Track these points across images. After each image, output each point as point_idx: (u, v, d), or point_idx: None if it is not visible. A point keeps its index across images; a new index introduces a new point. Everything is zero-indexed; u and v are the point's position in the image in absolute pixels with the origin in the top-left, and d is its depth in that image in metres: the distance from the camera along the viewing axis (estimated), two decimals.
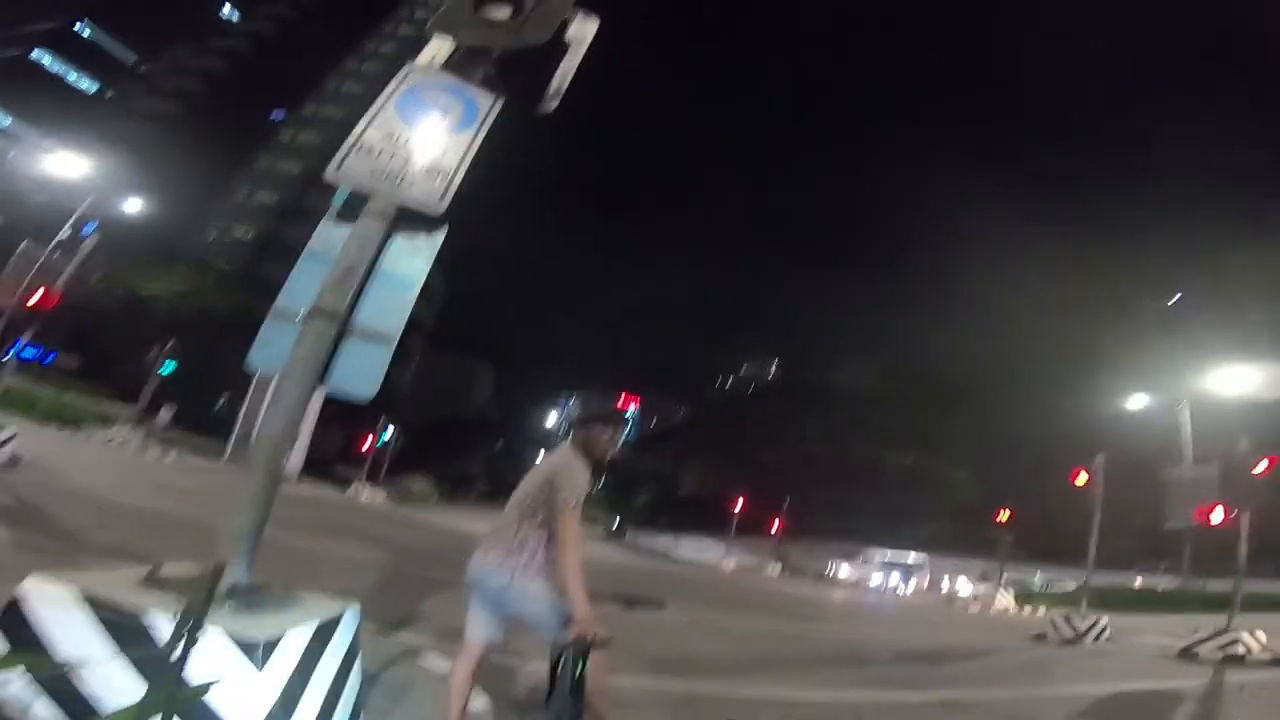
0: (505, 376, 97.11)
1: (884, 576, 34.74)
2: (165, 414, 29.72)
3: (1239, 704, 6.92)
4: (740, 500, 47.17)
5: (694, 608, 12.54)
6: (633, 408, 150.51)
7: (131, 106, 58.56)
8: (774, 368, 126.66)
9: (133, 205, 24.41)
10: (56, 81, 58.58)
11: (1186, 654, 11.66)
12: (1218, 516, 13.02)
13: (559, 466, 2.86)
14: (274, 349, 2.68)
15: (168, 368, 29.11)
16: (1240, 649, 11.32)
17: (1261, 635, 11.59)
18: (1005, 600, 25.05)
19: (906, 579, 37.74)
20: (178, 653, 1.30)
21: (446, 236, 3.06)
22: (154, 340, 29.73)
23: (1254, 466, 12.71)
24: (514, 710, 3.90)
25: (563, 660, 2.33)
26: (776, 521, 46.78)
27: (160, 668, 1.36)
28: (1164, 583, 34.63)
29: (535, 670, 4.75)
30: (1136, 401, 29.23)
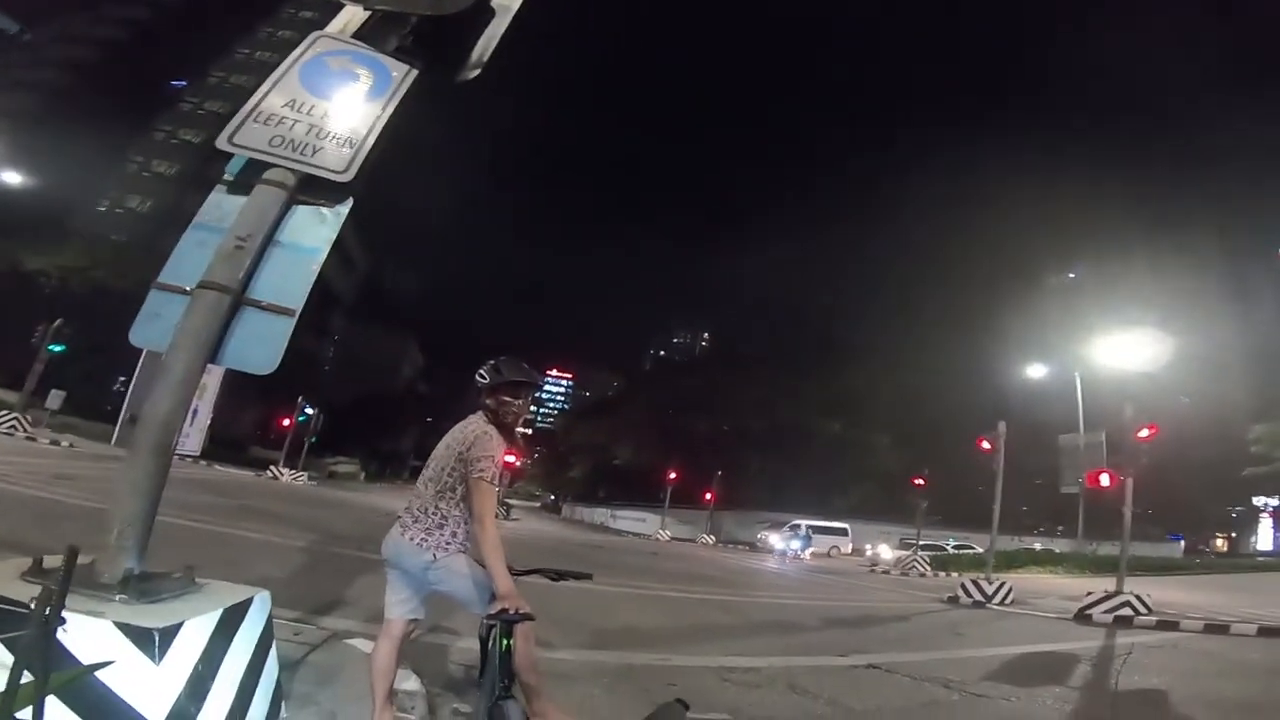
0: (434, 350, 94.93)
1: (805, 543, 35.96)
2: (55, 398, 27.43)
3: (1129, 665, 7.54)
4: (674, 472, 47.96)
5: (630, 579, 12.75)
6: (566, 380, 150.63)
7: (17, 76, 52.83)
8: (705, 339, 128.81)
9: (16, 178, 22.34)
10: None
11: (1081, 616, 12.42)
12: (1105, 481, 13.95)
13: (472, 438, 2.77)
14: (160, 323, 2.54)
15: (56, 348, 26.78)
16: (1129, 611, 12.18)
17: (1147, 598, 12.47)
18: (921, 565, 26.50)
19: (830, 546, 38.92)
20: (34, 640, 1.24)
21: (376, 209, 2.95)
22: (42, 319, 27.27)
23: (1138, 433, 13.52)
24: (448, 689, 3.89)
25: (490, 636, 2.34)
26: (709, 492, 47.86)
27: (24, 657, 1.29)
28: (1060, 545, 37.64)
29: (465, 647, 4.75)
30: (1035, 371, 31.34)
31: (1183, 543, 51.11)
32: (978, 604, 14.17)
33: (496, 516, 2.73)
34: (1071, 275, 59.21)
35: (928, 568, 26.15)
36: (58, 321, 26.55)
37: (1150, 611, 12.22)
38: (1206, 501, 50.55)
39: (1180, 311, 36.32)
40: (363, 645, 4.21)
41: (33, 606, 1.26)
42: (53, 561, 2.27)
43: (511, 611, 2.27)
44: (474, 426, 2.84)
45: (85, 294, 36.58)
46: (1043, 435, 20.14)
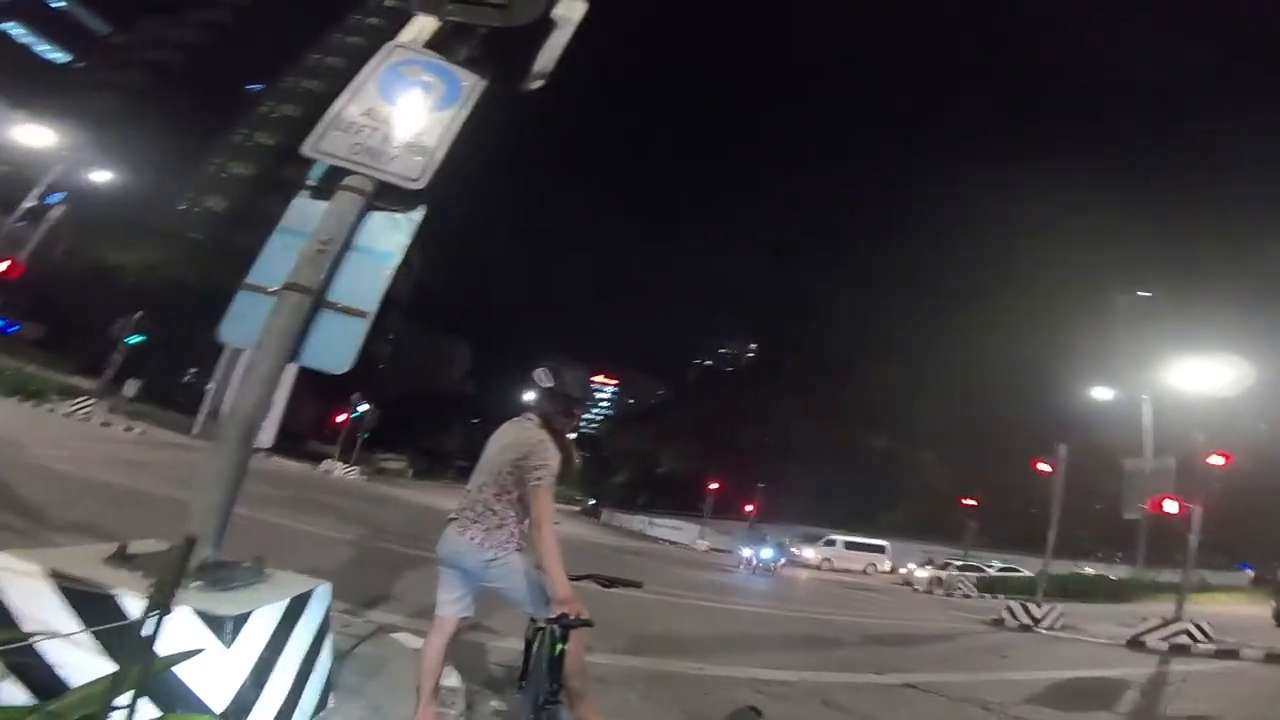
0: (483, 352, 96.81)
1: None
2: (131, 387, 29.03)
3: (1179, 693, 7.21)
4: (716, 482, 47.60)
5: (669, 587, 12.72)
6: (611, 386, 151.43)
7: (103, 78, 56.43)
8: (752, 350, 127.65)
9: (102, 176, 23.69)
10: (25, 52, 56.16)
11: (1135, 643, 11.95)
12: (1171, 508, 13.29)
13: (530, 444, 2.81)
14: (247, 322, 2.66)
15: (135, 340, 28.38)
16: (1186, 639, 11.65)
17: (1206, 625, 11.92)
18: (966, 586, 25.65)
19: (866, 563, 37.17)
20: (149, 628, 1.30)
21: (429, 213, 3.05)
22: (121, 312, 28.95)
23: (1209, 459, 13.00)
24: (486, 687, 3.92)
25: (540, 638, 2.34)
26: (750, 504, 47.33)
27: (129, 644, 1.36)
28: (1118, 571, 35.79)
29: (506, 647, 4.81)
30: (1101, 393, 29.98)
31: (1251, 572, 48.24)
32: (1025, 627, 13.78)
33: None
34: (1147, 294, 56.35)
35: (973, 589, 25.26)
36: (138, 314, 28.13)
37: (1209, 639, 11.70)
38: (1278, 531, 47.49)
39: (1260, 335, 34.20)
40: (407, 640, 4.30)
41: (148, 595, 1.32)
42: (137, 547, 2.39)
43: (571, 616, 2.27)
44: (530, 433, 2.87)
45: (162, 289, 38.63)
46: (1104, 458, 19.28)
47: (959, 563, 30.74)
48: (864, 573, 35.75)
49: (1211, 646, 11.38)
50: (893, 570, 38.14)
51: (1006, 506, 35.47)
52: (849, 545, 38.00)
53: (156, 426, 27.56)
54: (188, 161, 56.22)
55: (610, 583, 2.73)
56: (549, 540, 2.60)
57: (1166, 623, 12.16)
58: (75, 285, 36.64)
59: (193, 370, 43.31)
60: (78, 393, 25.58)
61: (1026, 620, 13.99)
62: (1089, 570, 34.41)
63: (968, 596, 24.22)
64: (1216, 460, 12.97)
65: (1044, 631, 13.46)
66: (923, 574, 30.16)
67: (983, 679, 7.30)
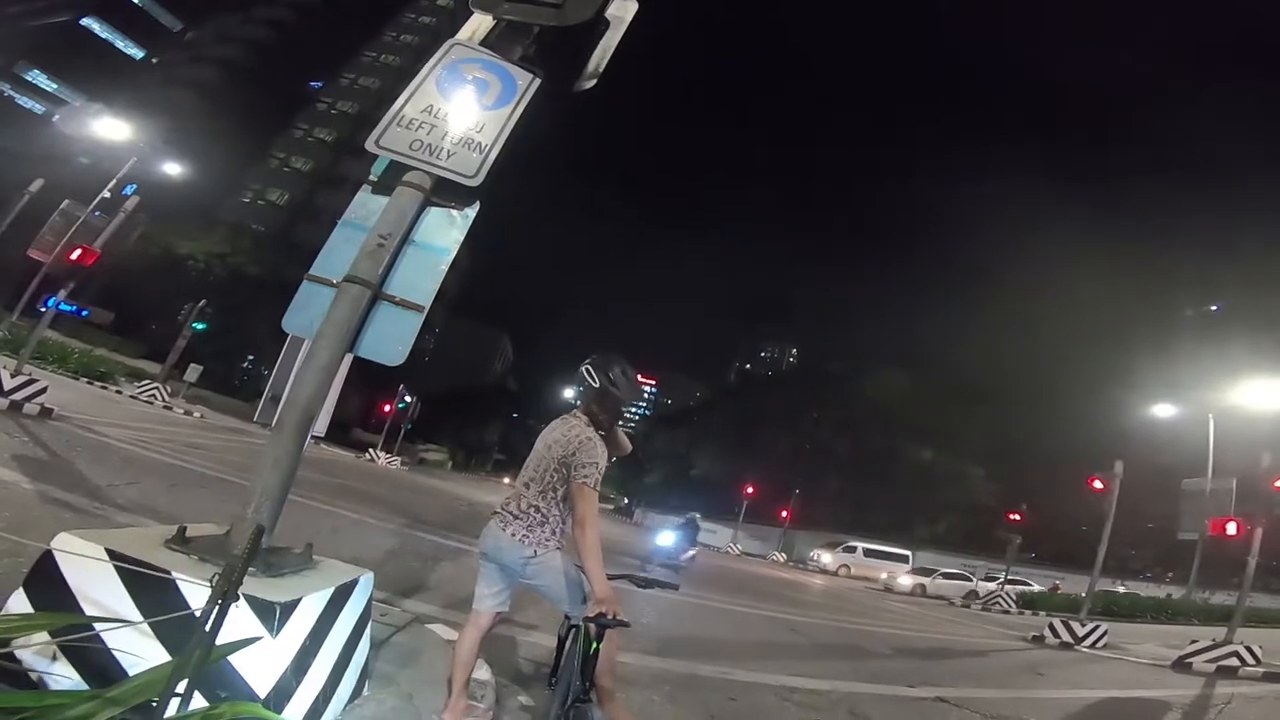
0: (526, 348, 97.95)
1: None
2: (193, 372, 30.30)
3: (1222, 715, 6.90)
4: (751, 486, 47.10)
5: (698, 590, 12.64)
6: (649, 386, 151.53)
7: (176, 73, 59.09)
8: (794, 355, 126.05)
9: (173, 169, 24.80)
10: (105, 47, 59.11)
11: (1180, 664, 11.63)
12: (1231, 530, 12.98)
13: (577, 443, 2.80)
14: (309, 312, 2.74)
15: (198, 326, 29.66)
16: (1235, 661, 11.28)
17: (1257, 649, 11.51)
18: (1006, 601, 24.84)
19: (886, 572, 35.78)
20: (213, 616, 1.34)
21: (483, 209, 3.10)
22: (187, 299, 30.30)
23: (1275, 482, 12.49)
24: (515, 681, 3.95)
25: (575, 636, 2.34)
26: (785, 510, 46.75)
27: (189, 630, 1.39)
28: (1169, 592, 34.21)
29: (536, 642, 4.85)
30: (1163, 410, 28.61)
31: None
32: (1065, 645, 13.40)
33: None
34: (1214, 308, 53.57)
35: (1011, 604, 24.45)
36: (202, 302, 29.35)
37: (1259, 663, 11.23)
38: None
39: None
40: (442, 631, 4.36)
41: (213, 582, 1.35)
42: (196, 530, 2.46)
43: (609, 616, 2.26)
44: (577, 431, 2.87)
45: (224, 278, 40.19)
46: (1156, 477, 18.48)
47: (945, 569, 30.24)
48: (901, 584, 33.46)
49: (1260, 670, 10.99)
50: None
51: (1053, 523, 34.17)
52: (869, 553, 36.90)
53: (216, 411, 28.67)
54: (252, 156, 58.39)
55: (647, 584, 2.73)
56: (592, 539, 2.60)
57: (1216, 644, 11.76)
58: (144, 273, 38.33)
59: (250, 358, 45.03)
60: (143, 376, 26.78)
61: (1068, 638, 13.63)
62: (1121, 588, 33.04)
63: (1006, 611, 23.47)
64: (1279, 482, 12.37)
65: (1085, 650, 13.11)
66: (905, 580, 29.34)
67: (1017, 696, 7.07)
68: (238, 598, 1.36)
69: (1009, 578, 30.05)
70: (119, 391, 23.85)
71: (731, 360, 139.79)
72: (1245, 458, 13.85)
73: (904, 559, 37.57)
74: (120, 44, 60.25)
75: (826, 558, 36.97)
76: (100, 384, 23.67)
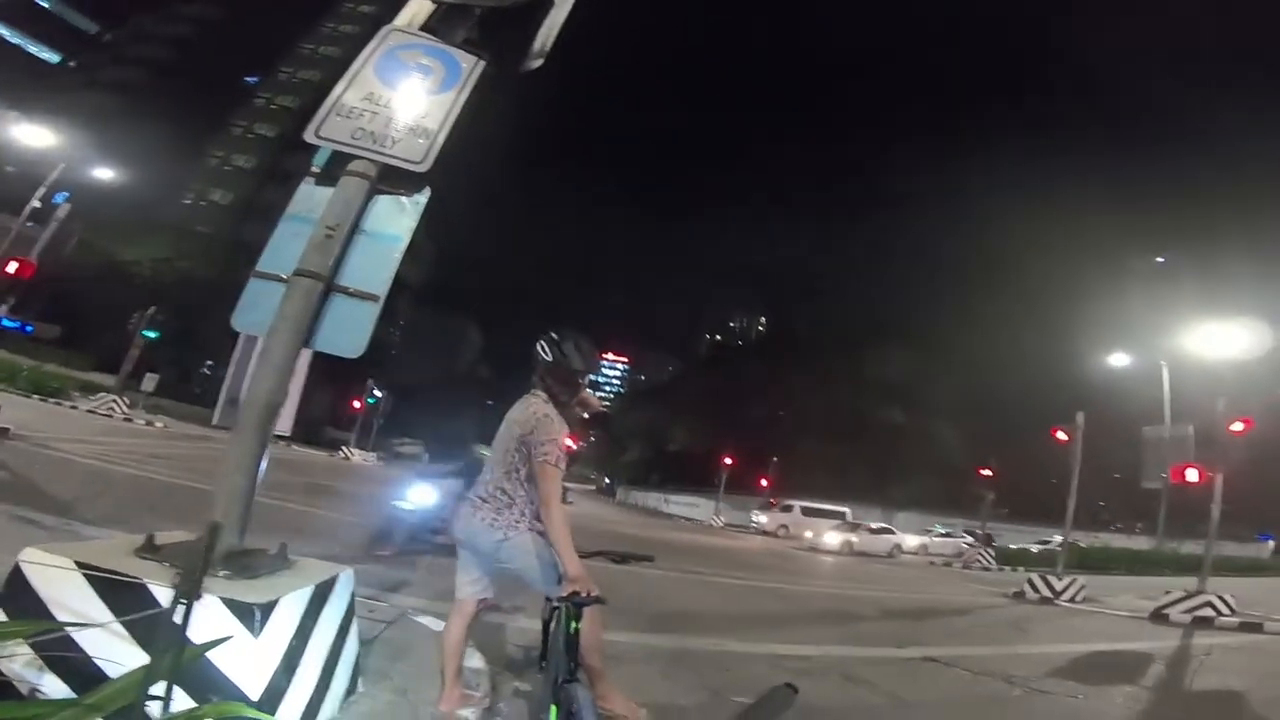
0: (496, 334, 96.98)
1: (801, 526, 31.14)
2: (150, 381, 29.43)
3: (1204, 667, 7.18)
4: (729, 457, 47.65)
5: (685, 563, 12.81)
6: (622, 364, 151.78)
7: (97, 76, 56.45)
8: (763, 323, 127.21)
9: (105, 173, 23.85)
10: (14, 52, 56.17)
11: (1158, 616, 11.87)
12: (1193, 476, 13.08)
13: (535, 420, 2.77)
14: (259, 310, 2.68)
15: (150, 334, 28.71)
16: (1210, 612, 11.56)
17: (1230, 598, 11.81)
18: (985, 559, 25.63)
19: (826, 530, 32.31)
20: (178, 615, 1.32)
21: (435, 195, 3.04)
22: (135, 307, 29.28)
23: (1230, 426, 12.74)
24: (509, 668, 3.96)
25: (556, 617, 2.34)
26: (764, 479, 47.42)
27: (162, 633, 1.37)
28: (1140, 543, 35.56)
29: (527, 627, 4.86)
30: (1118, 360, 29.59)
31: (1272, 543, 47.73)
32: (1045, 600, 13.72)
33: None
34: (1160, 260, 55.42)
35: (991, 561, 25.26)
36: (151, 309, 28.40)
37: (1233, 613, 11.62)
38: None
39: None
40: (431, 623, 4.36)
41: (176, 583, 1.34)
42: (165, 538, 2.41)
43: (582, 594, 2.26)
44: (535, 409, 2.83)
45: (172, 283, 38.96)
46: (1122, 427, 19.07)
47: (875, 524, 29.77)
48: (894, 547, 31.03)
49: (1235, 620, 11.30)
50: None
51: (1024, 478, 35.24)
52: (807, 511, 35.84)
53: (177, 420, 27.94)
54: (189, 156, 56.34)
55: (622, 559, 2.74)
56: (557, 518, 2.60)
57: (1189, 595, 12.07)
58: (87, 283, 36.98)
59: (209, 362, 43.87)
60: (97, 389, 25.98)
61: (1047, 593, 13.94)
62: (1113, 542, 33.78)
63: (986, 569, 24.23)
64: (1237, 427, 12.68)
65: (1065, 604, 13.42)
66: (832, 538, 26.88)
67: (1004, 652, 7.29)
68: (201, 596, 1.33)
69: (941, 533, 30.77)
70: (74, 406, 23.15)
71: (702, 332, 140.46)
72: (1203, 404, 14.17)
73: (841, 515, 36.02)
74: (32, 49, 57.37)
75: (763, 518, 36.28)
76: (54, 400, 22.92)
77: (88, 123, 38.09)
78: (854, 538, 26.96)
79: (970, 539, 30.74)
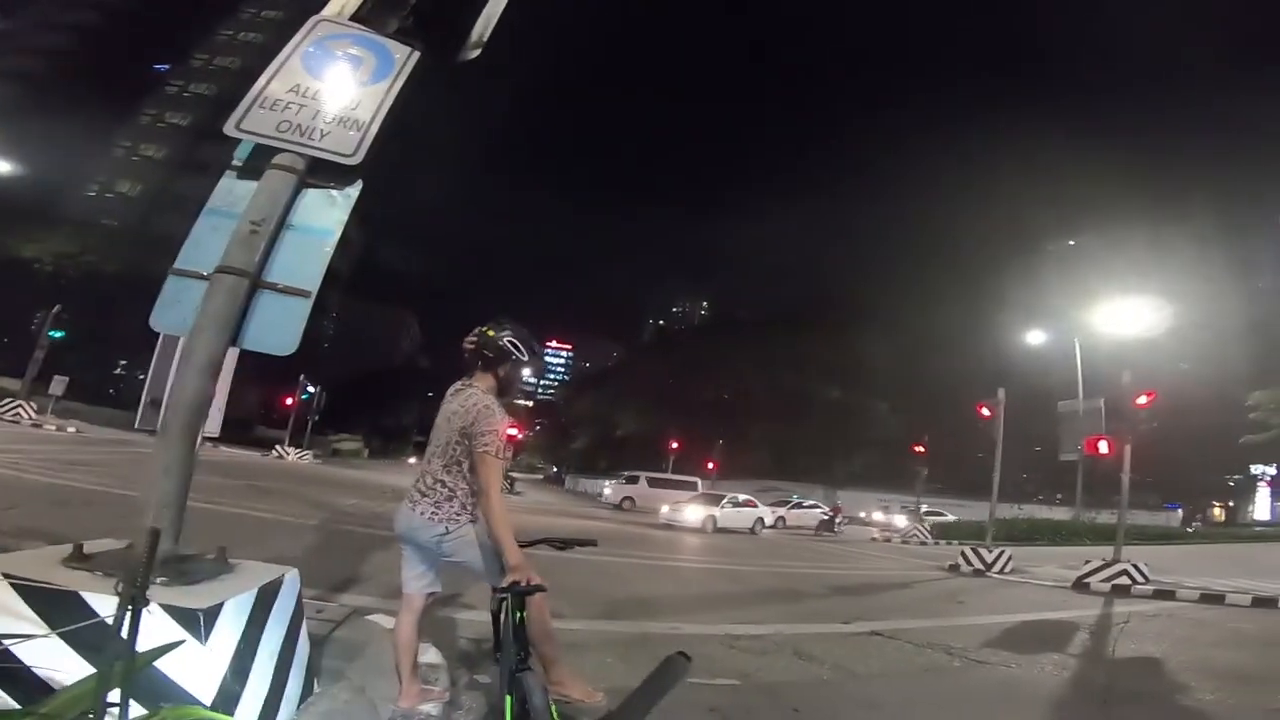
0: (433, 324, 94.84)
1: (649, 499, 29.31)
2: (59, 385, 27.47)
3: (1124, 634, 7.67)
4: (676, 441, 48.10)
5: (638, 550, 12.97)
6: (565, 352, 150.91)
7: None
8: (705, 307, 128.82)
9: (2, 166, 22.05)
10: None
11: (1079, 585, 12.55)
12: (1104, 448, 13.73)
13: (475, 411, 2.76)
14: (179, 308, 2.58)
15: (56, 334, 26.74)
16: (1126, 580, 12.30)
17: (1144, 566, 12.60)
18: (922, 533, 26.69)
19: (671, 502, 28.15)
20: (125, 624, 1.29)
21: (372, 184, 2.98)
22: (39, 307, 27.20)
23: (1136, 399, 13.41)
24: (464, 660, 3.98)
25: (503, 608, 2.36)
26: (710, 461, 48.14)
27: (105, 643, 1.34)
28: (1060, 513, 37.73)
29: (482, 620, 4.86)
30: (1035, 337, 31.32)
31: (1181, 511, 51.43)
32: (978, 572, 14.32)
33: (501, 490, 2.75)
34: (1071, 242, 58.86)
35: (928, 536, 26.42)
36: (56, 308, 26.47)
37: (1147, 580, 12.29)
38: (1204, 470, 50.83)
39: (1180, 279, 36.15)
40: (383, 621, 4.31)
41: (119, 591, 1.30)
42: (94, 547, 2.33)
43: (522, 584, 2.27)
44: (475, 399, 2.82)
45: (80, 280, 36.42)
46: (1043, 402, 20.18)
47: (742, 497, 25.75)
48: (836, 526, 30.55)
49: (1150, 588, 11.93)
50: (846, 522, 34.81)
51: (954, 453, 36.90)
52: (654, 482, 33.78)
53: (91, 424, 26.28)
54: (94, 147, 52.47)
55: (565, 545, 2.74)
56: (497, 508, 2.59)
57: (1107, 565, 12.72)
58: None
59: (123, 362, 41.29)
60: (1, 395, 24.12)
61: (979, 565, 14.57)
62: (1035, 514, 35.29)
63: (924, 543, 25.31)
64: (1142, 400, 13.42)
65: (996, 576, 14.06)
66: (695, 512, 22.99)
67: (943, 624, 7.70)
68: (147, 601, 1.31)
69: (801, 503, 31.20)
70: None
71: (646, 318, 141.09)
72: (1113, 379, 14.97)
73: (693, 486, 33.56)
74: None
75: (607, 490, 34.13)
76: None
77: None
78: (716, 512, 23.24)
79: (825, 510, 31.34)
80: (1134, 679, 5.70)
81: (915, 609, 8.99)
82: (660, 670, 2.50)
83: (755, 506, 25.22)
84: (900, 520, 30.50)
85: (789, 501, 32.42)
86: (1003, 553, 14.91)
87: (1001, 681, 5.14)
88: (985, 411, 16.58)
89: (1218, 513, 60.47)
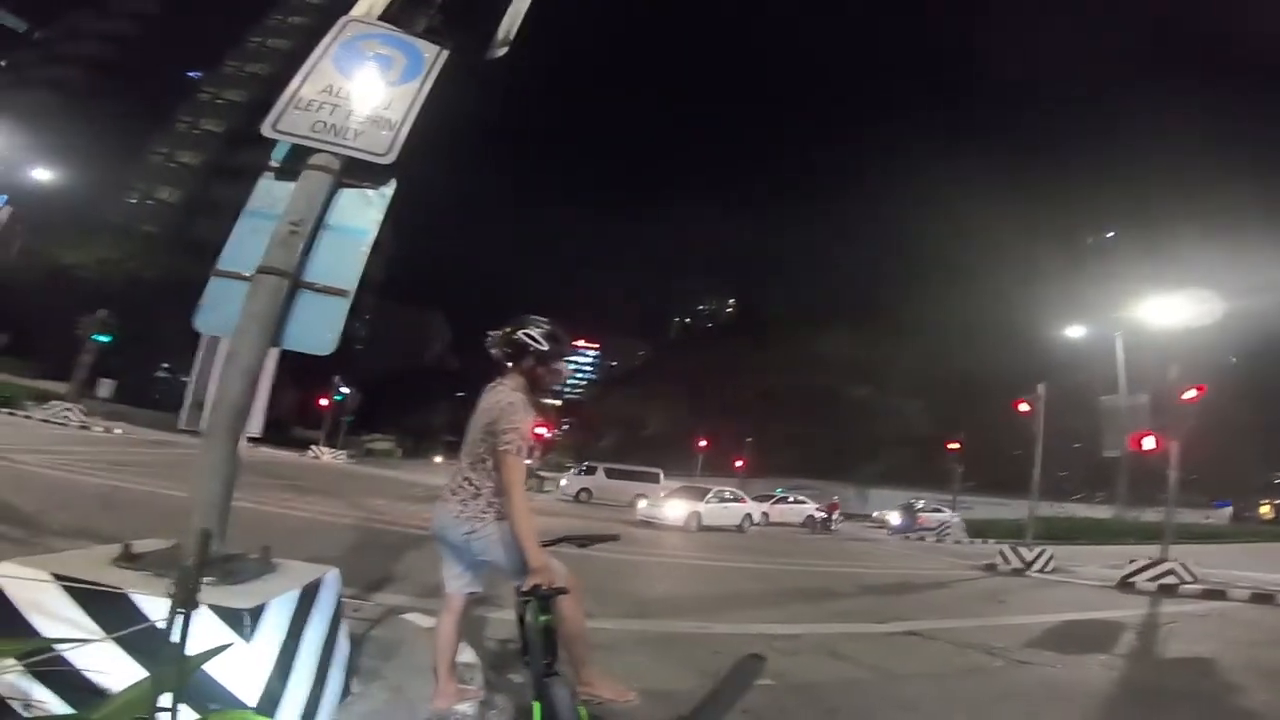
0: (464, 324, 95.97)
1: (607, 491, 27.51)
2: (106, 387, 28.38)
3: (1172, 634, 7.46)
4: (704, 440, 47.95)
5: (667, 548, 12.93)
6: (593, 351, 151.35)
7: (30, 75, 53.66)
8: (731, 305, 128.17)
9: (44, 175, 22.75)
10: None
11: (1124, 584, 12.24)
12: (1149, 444, 13.29)
13: (499, 409, 2.72)
14: (222, 310, 2.60)
15: (101, 338, 27.63)
16: (1173, 580, 11.96)
17: (1192, 565, 12.23)
18: (958, 532, 26.13)
19: (635, 495, 26.15)
20: (177, 626, 1.29)
21: (401, 187, 2.98)
22: (84, 312, 28.09)
23: (1183, 394, 13.04)
24: (501, 660, 3.96)
25: (529, 610, 2.31)
26: (739, 459, 47.85)
27: (156, 644, 1.34)
28: (1101, 512, 36.53)
29: (511, 618, 4.86)
30: (1075, 332, 30.49)
31: (1230, 509, 49.54)
32: (1017, 571, 14.00)
33: (528, 489, 2.70)
34: (1110, 234, 57.22)
35: (964, 534, 25.86)
36: (101, 312, 27.32)
37: (1195, 580, 11.95)
38: (1252, 467, 49.02)
39: (1228, 271, 34.82)
40: (419, 620, 4.33)
41: (170, 593, 1.31)
42: (141, 546, 2.36)
43: (544, 586, 2.22)
44: (501, 396, 2.78)
45: (122, 285, 37.54)
46: (1083, 397, 19.61)
47: (729, 491, 22.78)
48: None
49: (1198, 587, 11.59)
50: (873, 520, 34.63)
51: (990, 450, 36.15)
52: (612, 473, 30.42)
53: (137, 425, 27.08)
54: (132, 154, 54.15)
55: (586, 542, 2.67)
56: (519, 507, 2.54)
57: (1153, 564, 12.39)
58: (33, 288, 35.42)
59: (165, 365, 42.54)
60: (49, 397, 24.99)
61: (1018, 564, 14.22)
62: (1077, 512, 34.05)
63: (959, 542, 24.76)
64: (1190, 394, 13.02)
65: (1036, 575, 13.71)
66: (676, 509, 19.49)
67: (983, 624, 7.51)
68: (198, 605, 1.31)
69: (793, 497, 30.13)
70: (28, 416, 22.30)
71: (672, 317, 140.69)
72: (1157, 373, 14.49)
73: (655, 477, 30.38)
74: None
75: (563, 482, 31.52)
76: (6, 410, 22.03)
77: (23, 123, 36.28)
78: (701, 508, 19.88)
79: (816, 506, 29.52)
80: (1184, 679, 5.51)
81: (953, 609, 8.80)
82: (734, 671, 2.44)
83: (744, 502, 22.58)
84: (934, 516, 29.33)
85: (772, 496, 30.57)
86: (1043, 551, 14.55)
87: (1045, 682, 4.99)
88: (1024, 407, 16.25)
89: (1266, 510, 58.14)
